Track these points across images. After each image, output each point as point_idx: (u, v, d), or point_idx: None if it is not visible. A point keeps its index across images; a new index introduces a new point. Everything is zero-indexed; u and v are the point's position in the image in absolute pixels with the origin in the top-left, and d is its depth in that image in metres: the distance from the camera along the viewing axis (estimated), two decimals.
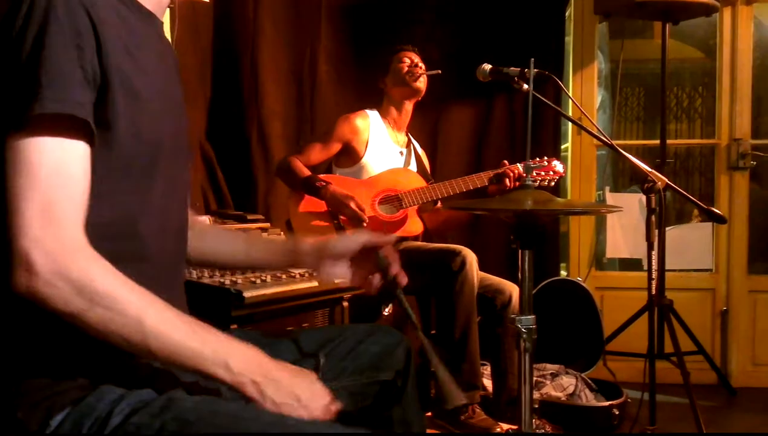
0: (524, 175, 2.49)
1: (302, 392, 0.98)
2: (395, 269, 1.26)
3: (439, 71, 2.67)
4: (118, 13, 0.99)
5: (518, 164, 2.55)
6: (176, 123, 1.10)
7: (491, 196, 2.57)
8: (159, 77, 1.05)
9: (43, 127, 0.87)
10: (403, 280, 1.26)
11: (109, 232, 0.97)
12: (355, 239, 1.27)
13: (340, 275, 1.29)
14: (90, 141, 0.91)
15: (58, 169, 0.87)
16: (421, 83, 2.68)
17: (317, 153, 2.64)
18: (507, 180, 2.51)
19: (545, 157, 2.64)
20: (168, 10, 2.56)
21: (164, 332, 0.90)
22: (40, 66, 0.87)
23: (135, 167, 0.99)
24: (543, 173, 2.59)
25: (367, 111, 2.73)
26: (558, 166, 2.63)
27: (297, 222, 2.60)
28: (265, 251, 1.34)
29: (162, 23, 1.13)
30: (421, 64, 2.69)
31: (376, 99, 2.78)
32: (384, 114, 2.75)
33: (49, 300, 0.86)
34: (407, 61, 2.69)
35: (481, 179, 2.58)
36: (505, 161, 2.57)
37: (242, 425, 0.89)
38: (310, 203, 2.59)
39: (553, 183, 2.63)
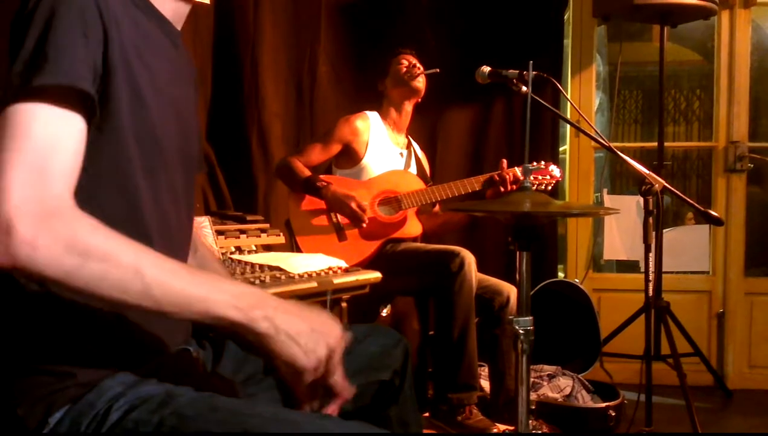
0: (522, 177, 2.52)
1: (314, 322, 0.94)
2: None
3: (437, 70, 2.68)
4: (133, 18, 1.00)
5: (516, 168, 2.57)
6: (183, 129, 1.10)
7: (489, 199, 2.59)
8: (167, 83, 1.05)
9: (40, 97, 0.86)
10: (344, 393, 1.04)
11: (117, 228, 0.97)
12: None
13: None
14: (87, 117, 0.90)
15: (51, 139, 0.86)
16: (420, 83, 2.69)
17: (317, 154, 2.65)
18: (505, 183, 2.52)
19: (543, 162, 2.66)
20: None
21: (165, 280, 0.86)
22: (48, 44, 0.87)
23: (139, 168, 0.99)
24: (540, 177, 2.61)
25: (368, 112, 2.74)
26: (555, 170, 2.64)
27: (297, 222, 2.61)
28: None
29: (179, 33, 1.13)
30: (419, 65, 2.71)
31: (375, 100, 2.79)
32: (384, 116, 2.77)
33: (36, 263, 0.80)
34: (405, 62, 2.71)
35: (479, 182, 2.60)
36: (504, 161, 2.59)
37: (242, 421, 0.90)
38: (310, 203, 2.60)
39: (550, 187, 2.65)
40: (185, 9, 1.13)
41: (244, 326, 0.89)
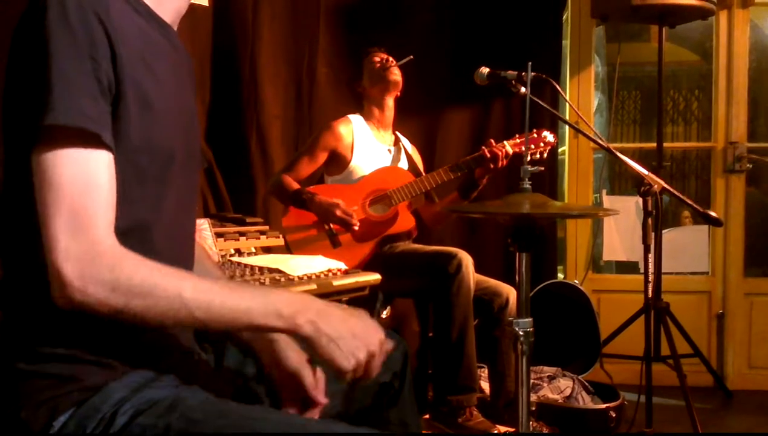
0: (510, 152, 2.52)
1: (356, 326, 0.98)
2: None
3: (411, 57, 2.67)
4: (134, 24, 0.99)
5: (505, 142, 2.55)
6: (188, 133, 1.11)
7: (479, 179, 2.58)
8: (172, 88, 1.05)
9: (63, 138, 0.88)
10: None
11: (124, 239, 0.97)
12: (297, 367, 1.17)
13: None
14: (110, 150, 0.92)
15: (82, 179, 0.88)
16: (397, 75, 2.70)
17: (305, 166, 2.67)
18: (495, 159, 2.52)
19: (535, 130, 2.62)
20: None
21: (206, 300, 0.91)
22: (52, 78, 0.87)
23: (147, 177, 0.99)
24: (533, 146, 2.58)
25: (350, 116, 2.75)
26: (549, 136, 2.59)
27: (290, 236, 2.61)
28: None
29: (176, 32, 1.13)
30: (391, 59, 2.72)
31: (356, 104, 2.80)
32: (367, 116, 2.78)
33: (89, 306, 0.87)
34: (378, 58, 2.73)
35: (467, 164, 2.59)
36: (491, 140, 2.59)
37: (250, 425, 0.90)
38: (300, 216, 2.61)
39: (545, 155, 2.61)
40: (185, 8, 1.13)
41: (290, 331, 0.94)
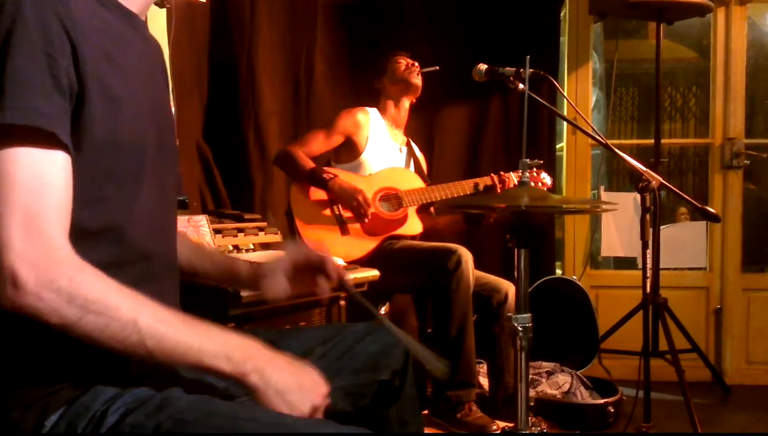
0: (517, 183, 2.62)
1: (303, 379, 0.97)
2: (337, 271, 1.31)
3: (437, 67, 2.70)
4: (98, 17, 0.97)
5: (511, 173, 2.65)
6: (159, 125, 1.08)
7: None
8: (141, 80, 1.03)
9: (16, 137, 0.85)
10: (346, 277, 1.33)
11: (100, 238, 0.96)
12: (287, 258, 1.30)
13: (280, 291, 1.30)
14: (67, 149, 0.89)
15: (37, 179, 0.85)
16: (418, 80, 2.72)
17: (319, 143, 2.63)
18: (503, 188, 2.61)
19: (534, 169, 2.69)
20: (165, 10, 2.59)
21: (160, 331, 0.88)
22: (5, 75, 0.85)
23: (120, 173, 0.98)
24: (532, 184, 2.65)
25: (367, 108, 2.75)
26: (546, 178, 2.73)
27: (300, 212, 2.56)
28: (209, 262, 1.33)
29: (144, 23, 1.11)
30: (417, 64, 2.74)
31: (372, 99, 2.80)
32: (383, 112, 2.78)
33: (40, 313, 0.84)
34: (403, 62, 2.74)
35: (479, 185, 2.66)
36: (502, 172, 2.70)
37: (239, 425, 0.90)
38: (315, 194, 2.58)
39: None
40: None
41: (235, 378, 0.92)
